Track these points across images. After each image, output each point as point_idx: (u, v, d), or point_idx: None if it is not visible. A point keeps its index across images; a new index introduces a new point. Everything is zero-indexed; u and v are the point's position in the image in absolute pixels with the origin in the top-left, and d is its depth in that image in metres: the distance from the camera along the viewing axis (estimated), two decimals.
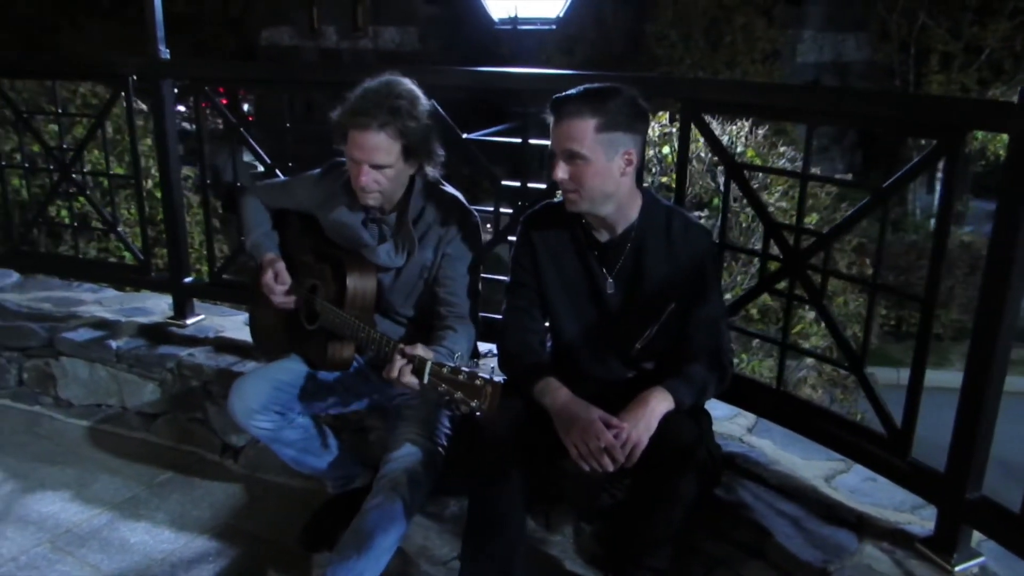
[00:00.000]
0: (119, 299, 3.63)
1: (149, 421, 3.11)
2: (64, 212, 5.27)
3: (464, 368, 1.80)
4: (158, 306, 3.47)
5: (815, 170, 4.88)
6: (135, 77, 3.06)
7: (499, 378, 1.76)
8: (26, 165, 3.62)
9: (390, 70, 2.19)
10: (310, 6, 19.76)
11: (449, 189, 2.31)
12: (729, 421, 2.55)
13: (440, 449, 2.20)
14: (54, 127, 4.93)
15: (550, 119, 1.95)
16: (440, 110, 2.67)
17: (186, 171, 6.03)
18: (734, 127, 3.93)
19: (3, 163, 3.57)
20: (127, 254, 4.01)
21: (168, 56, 2.99)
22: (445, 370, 1.83)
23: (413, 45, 19.18)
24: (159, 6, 2.92)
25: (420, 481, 2.11)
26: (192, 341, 3.13)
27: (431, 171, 2.22)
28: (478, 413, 1.77)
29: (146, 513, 2.65)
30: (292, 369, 2.33)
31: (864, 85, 15.35)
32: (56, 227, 4.60)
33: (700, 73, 13.42)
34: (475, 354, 2.49)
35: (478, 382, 1.77)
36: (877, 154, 15.97)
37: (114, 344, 3.14)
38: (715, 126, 3.98)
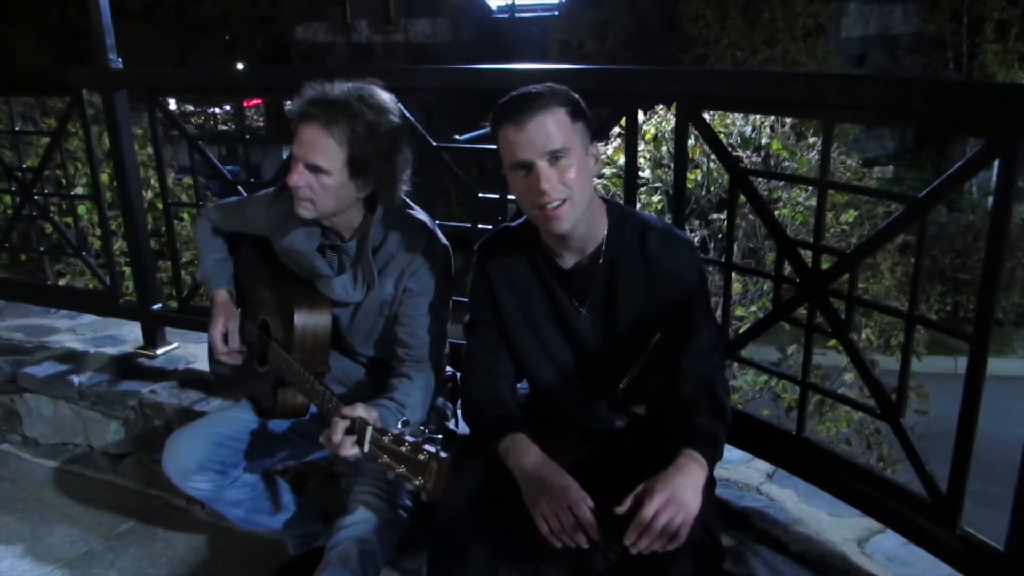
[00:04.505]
0: (94, 326, 3.41)
1: (116, 462, 2.87)
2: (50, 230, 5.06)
3: (408, 438, 1.50)
4: (132, 334, 3.23)
5: (852, 163, 4.50)
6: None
7: (445, 454, 1.45)
8: None
9: (368, 77, 1.90)
10: (343, 1, 19.51)
11: (417, 214, 1.99)
12: (746, 466, 2.21)
13: (401, 512, 1.90)
14: (43, 141, 4.73)
15: (504, 129, 1.62)
16: (407, 114, 2.37)
17: (188, 179, 5.78)
18: (757, 116, 3.52)
19: None
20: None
21: (120, 65, 2.74)
22: (387, 439, 1.53)
23: (444, 37, 18.79)
24: (107, 11, 2.67)
25: (374, 552, 1.81)
26: (159, 375, 2.89)
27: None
28: (422, 493, 1.47)
29: (99, 572, 2.41)
30: (236, 419, 2.05)
31: (913, 59, 14.55)
32: (41, 251, 4.35)
33: (738, 53, 12.82)
34: (453, 396, 2.19)
35: (422, 456, 1.47)
36: (929, 131, 15.15)
37: (76, 380, 2.90)
38: (737, 116, 3.60)
